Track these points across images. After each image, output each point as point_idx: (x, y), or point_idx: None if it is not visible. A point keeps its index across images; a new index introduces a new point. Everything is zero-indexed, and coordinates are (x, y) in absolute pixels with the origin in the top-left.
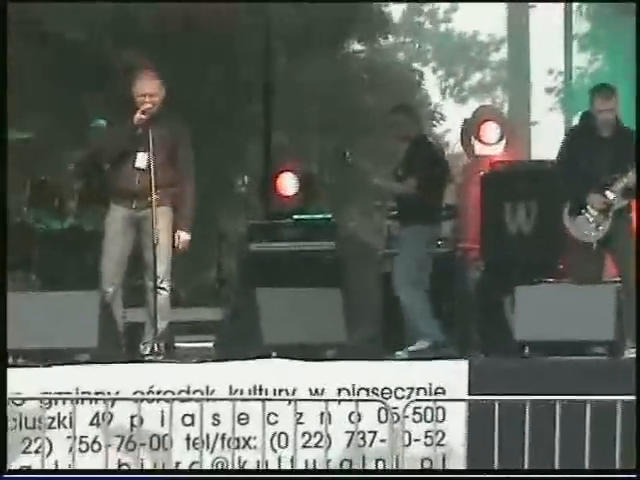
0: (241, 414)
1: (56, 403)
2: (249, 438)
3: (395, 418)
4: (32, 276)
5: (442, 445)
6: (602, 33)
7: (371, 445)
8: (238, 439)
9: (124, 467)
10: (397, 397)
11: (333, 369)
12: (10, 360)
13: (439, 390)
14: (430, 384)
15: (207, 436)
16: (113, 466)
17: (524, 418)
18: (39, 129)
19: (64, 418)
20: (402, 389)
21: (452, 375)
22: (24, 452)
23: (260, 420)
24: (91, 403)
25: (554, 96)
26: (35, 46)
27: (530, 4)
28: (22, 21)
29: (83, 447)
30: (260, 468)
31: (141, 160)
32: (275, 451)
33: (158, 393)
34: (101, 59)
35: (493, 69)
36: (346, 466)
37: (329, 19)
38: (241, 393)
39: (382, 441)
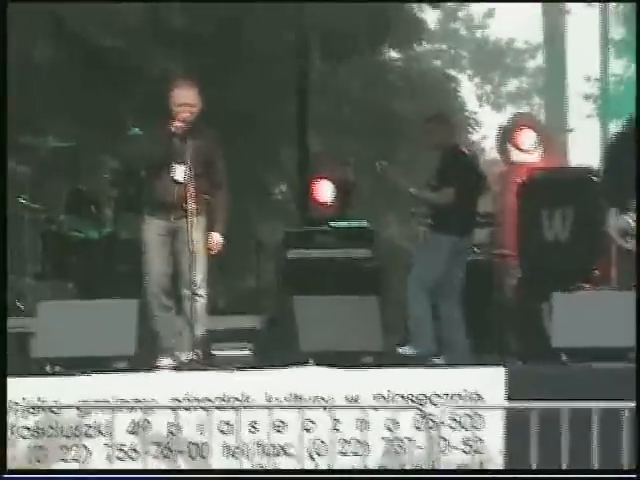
0: (278, 421)
1: (94, 411)
2: (286, 445)
3: (432, 425)
4: (69, 284)
5: (480, 452)
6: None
7: (409, 452)
8: (275, 446)
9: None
10: (434, 404)
11: (370, 376)
12: (48, 368)
13: (476, 397)
14: (467, 391)
15: (244, 444)
16: None
17: (562, 425)
18: (76, 137)
19: (101, 426)
20: (439, 396)
21: (489, 382)
22: (62, 460)
23: (297, 427)
24: (129, 411)
25: (591, 103)
26: (73, 54)
27: (566, 10)
28: (58, 28)
29: (121, 455)
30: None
31: (179, 172)
32: (312, 459)
33: (196, 401)
34: (139, 67)
35: (529, 76)
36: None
37: (365, 25)
38: (278, 401)
39: (419, 448)
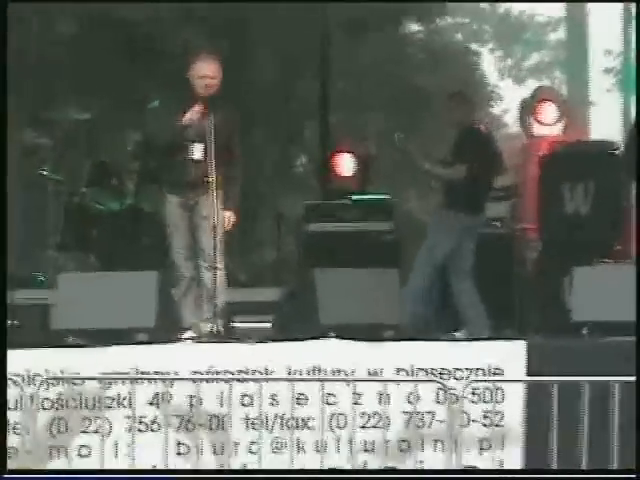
0: (299, 394)
1: (115, 383)
2: (307, 419)
3: (453, 399)
4: (90, 256)
5: (500, 426)
6: None
7: (429, 426)
8: (296, 419)
9: (183, 447)
10: (455, 378)
11: (391, 350)
12: (70, 340)
13: (497, 371)
14: (488, 365)
15: (266, 416)
16: (172, 446)
17: (582, 399)
18: (98, 110)
19: (123, 398)
20: (460, 370)
21: (510, 356)
22: (83, 432)
23: (318, 401)
24: (150, 383)
25: (612, 77)
26: (93, 27)
27: None
28: (80, 3)
29: (142, 427)
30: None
31: (197, 151)
32: (333, 432)
33: (217, 373)
34: (160, 40)
35: (551, 49)
36: (404, 447)
37: None
38: (299, 374)
39: (440, 422)
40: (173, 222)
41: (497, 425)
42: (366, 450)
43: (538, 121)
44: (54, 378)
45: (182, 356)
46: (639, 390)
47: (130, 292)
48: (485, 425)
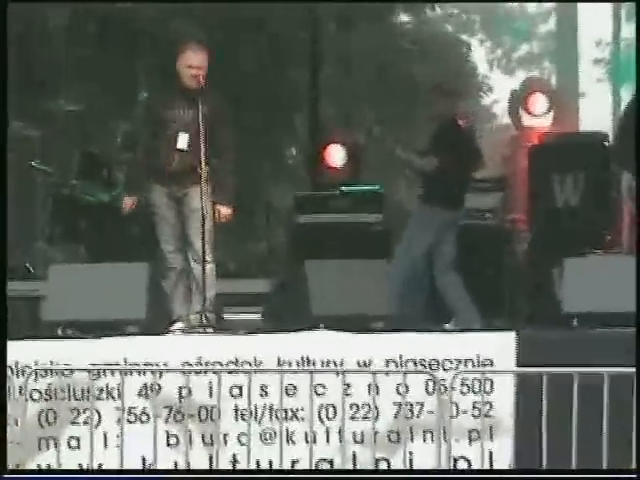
0: (289, 385)
1: (105, 374)
2: (297, 410)
3: (443, 390)
4: (80, 248)
5: (490, 417)
6: None
7: (419, 417)
8: (286, 410)
9: (172, 438)
10: (445, 369)
11: (381, 340)
12: (59, 331)
13: (487, 362)
14: (478, 356)
15: (255, 407)
16: (161, 437)
17: (572, 390)
18: (88, 101)
19: (112, 389)
20: (450, 361)
21: (500, 347)
22: (73, 423)
23: (308, 392)
24: (139, 374)
25: (602, 67)
26: (83, 17)
27: None
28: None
29: (131, 418)
30: (307, 440)
31: (182, 141)
32: (323, 422)
33: (206, 365)
34: (149, 29)
35: (541, 40)
36: (394, 438)
37: None
38: (289, 365)
39: (430, 413)
40: (160, 213)
41: (487, 416)
42: (356, 441)
43: (528, 112)
44: (43, 369)
45: (172, 347)
46: (639, 385)
47: (120, 284)
48: (475, 416)
